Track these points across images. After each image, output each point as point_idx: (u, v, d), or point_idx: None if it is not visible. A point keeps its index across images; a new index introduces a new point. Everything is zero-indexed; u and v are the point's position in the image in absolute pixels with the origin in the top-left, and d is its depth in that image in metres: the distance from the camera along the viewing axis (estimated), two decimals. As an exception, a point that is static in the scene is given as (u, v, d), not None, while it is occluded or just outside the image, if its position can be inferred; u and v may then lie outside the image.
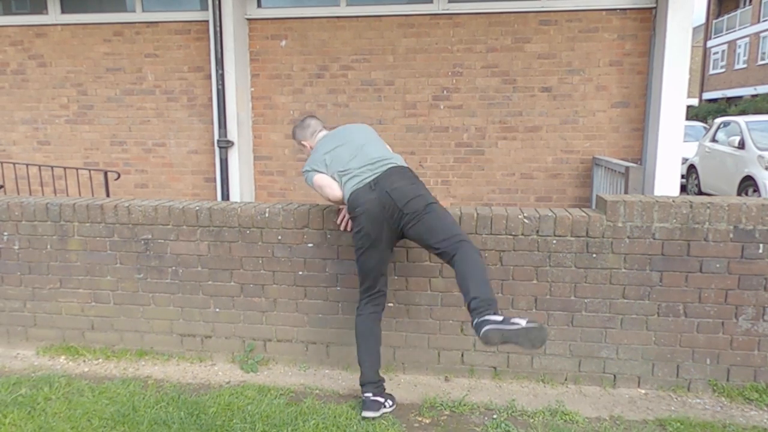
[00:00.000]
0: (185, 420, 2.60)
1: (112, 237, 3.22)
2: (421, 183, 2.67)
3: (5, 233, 3.31)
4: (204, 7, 6.03)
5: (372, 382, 2.67)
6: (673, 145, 5.38)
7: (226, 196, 6.08)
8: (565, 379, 2.99)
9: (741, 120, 9.89)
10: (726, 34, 28.62)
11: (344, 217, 2.89)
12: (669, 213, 2.79)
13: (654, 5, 5.51)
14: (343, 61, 5.99)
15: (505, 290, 2.95)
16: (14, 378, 3.01)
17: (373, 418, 2.60)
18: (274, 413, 2.65)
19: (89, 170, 6.17)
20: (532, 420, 2.65)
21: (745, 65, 26.68)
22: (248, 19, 6.10)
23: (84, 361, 3.28)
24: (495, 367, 3.03)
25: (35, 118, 6.53)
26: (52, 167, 5.95)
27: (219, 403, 2.75)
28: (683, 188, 11.29)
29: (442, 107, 5.95)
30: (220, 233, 3.11)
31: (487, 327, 2.20)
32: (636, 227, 2.82)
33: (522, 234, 2.89)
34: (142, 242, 3.19)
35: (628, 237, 2.83)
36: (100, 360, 3.28)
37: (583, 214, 2.88)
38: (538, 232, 2.87)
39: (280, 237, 3.08)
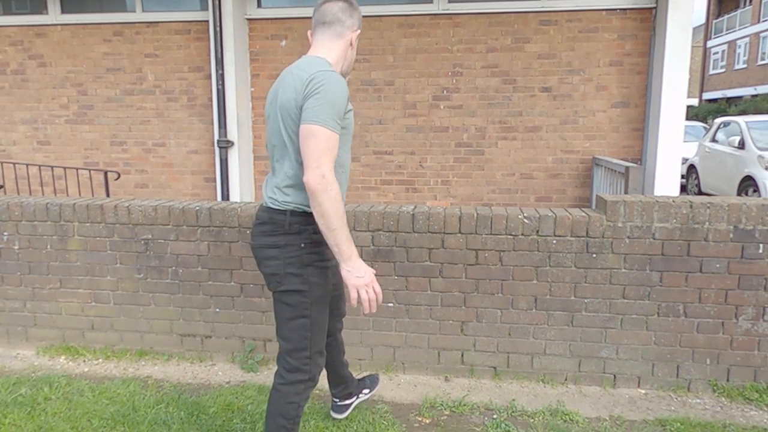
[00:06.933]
0: (185, 420, 2.60)
1: (112, 237, 3.22)
2: (283, 248, 1.88)
3: (5, 233, 3.31)
4: (204, 7, 6.03)
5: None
6: (673, 145, 5.39)
7: (226, 196, 6.08)
8: (565, 379, 2.99)
9: (741, 120, 9.89)
10: (726, 34, 28.63)
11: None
12: (669, 213, 2.79)
13: (654, 5, 5.51)
14: (343, 61, 5.98)
15: (505, 290, 2.95)
16: (14, 378, 3.01)
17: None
18: (274, 413, 2.64)
19: (89, 170, 6.17)
20: (532, 420, 2.65)
21: (745, 65, 26.69)
22: (248, 19, 6.10)
23: (84, 361, 3.28)
24: (495, 367, 3.03)
25: (35, 118, 6.54)
26: (52, 167, 5.95)
27: (219, 403, 2.75)
28: (683, 188, 11.30)
29: (442, 107, 5.96)
30: (220, 233, 3.11)
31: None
32: (636, 227, 2.82)
33: (522, 234, 2.89)
34: (142, 242, 3.19)
35: (628, 237, 2.83)
36: (100, 360, 3.28)
37: (583, 214, 2.88)
38: (538, 232, 2.87)
39: (280, 237, 3.07)
